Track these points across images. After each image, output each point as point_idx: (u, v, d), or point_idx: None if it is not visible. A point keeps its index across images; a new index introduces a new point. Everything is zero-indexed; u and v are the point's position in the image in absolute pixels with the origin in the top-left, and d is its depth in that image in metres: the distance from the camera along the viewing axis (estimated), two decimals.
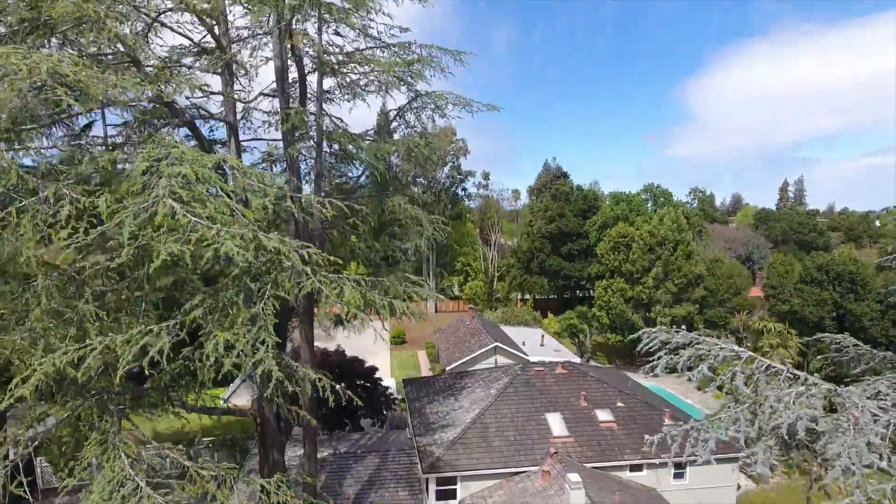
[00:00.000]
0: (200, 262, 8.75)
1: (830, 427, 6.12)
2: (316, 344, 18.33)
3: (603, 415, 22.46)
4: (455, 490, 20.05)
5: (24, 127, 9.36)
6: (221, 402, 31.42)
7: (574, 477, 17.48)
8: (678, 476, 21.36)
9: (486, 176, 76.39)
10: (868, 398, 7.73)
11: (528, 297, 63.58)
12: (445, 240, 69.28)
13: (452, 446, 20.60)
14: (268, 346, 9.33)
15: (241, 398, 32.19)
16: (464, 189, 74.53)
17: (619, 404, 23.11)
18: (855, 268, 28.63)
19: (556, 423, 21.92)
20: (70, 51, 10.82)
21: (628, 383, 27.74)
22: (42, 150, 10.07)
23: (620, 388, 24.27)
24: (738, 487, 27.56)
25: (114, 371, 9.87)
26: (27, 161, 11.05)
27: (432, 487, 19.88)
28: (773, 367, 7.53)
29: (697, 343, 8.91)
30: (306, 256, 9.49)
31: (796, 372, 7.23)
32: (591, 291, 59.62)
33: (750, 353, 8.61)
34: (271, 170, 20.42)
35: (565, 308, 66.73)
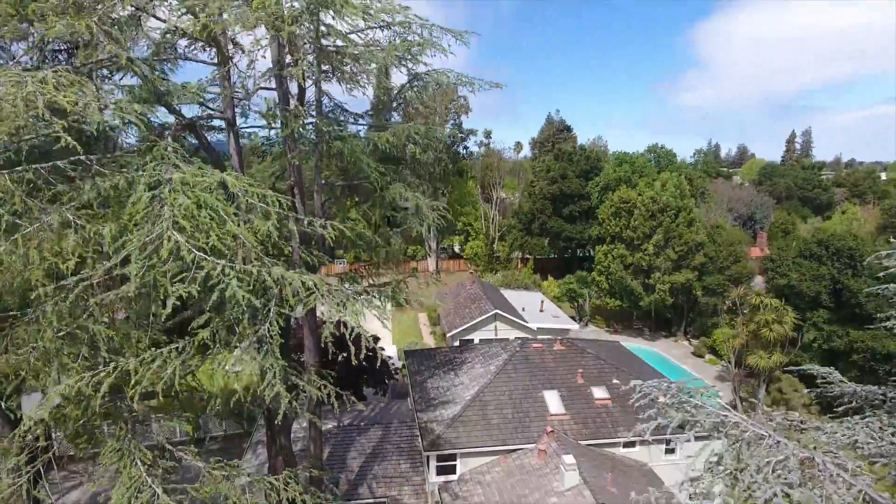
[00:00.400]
0: (206, 301, 8.94)
1: (805, 499, 6.44)
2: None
3: (599, 392, 23.17)
4: (455, 465, 20.98)
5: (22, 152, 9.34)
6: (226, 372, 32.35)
7: (569, 459, 18.26)
8: (669, 452, 22.23)
9: (487, 134, 75.44)
10: (846, 444, 8.06)
11: (528, 257, 63.91)
12: (445, 202, 68.88)
13: (452, 424, 21.39)
14: (275, 372, 9.67)
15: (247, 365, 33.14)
16: (465, 148, 73.70)
17: (615, 381, 23.78)
18: (854, 244, 28.74)
19: (553, 401, 22.66)
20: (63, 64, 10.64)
21: (625, 356, 28.45)
22: (42, 170, 10.07)
23: (617, 364, 24.90)
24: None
25: (126, 387, 10.26)
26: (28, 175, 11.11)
27: (433, 463, 20.79)
28: (760, 434, 7.80)
29: (685, 405, 9.14)
30: (310, 284, 9.69)
31: (781, 439, 7.50)
32: (592, 252, 59.95)
33: (738, 416, 8.89)
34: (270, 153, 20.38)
35: (566, 269, 67.21)
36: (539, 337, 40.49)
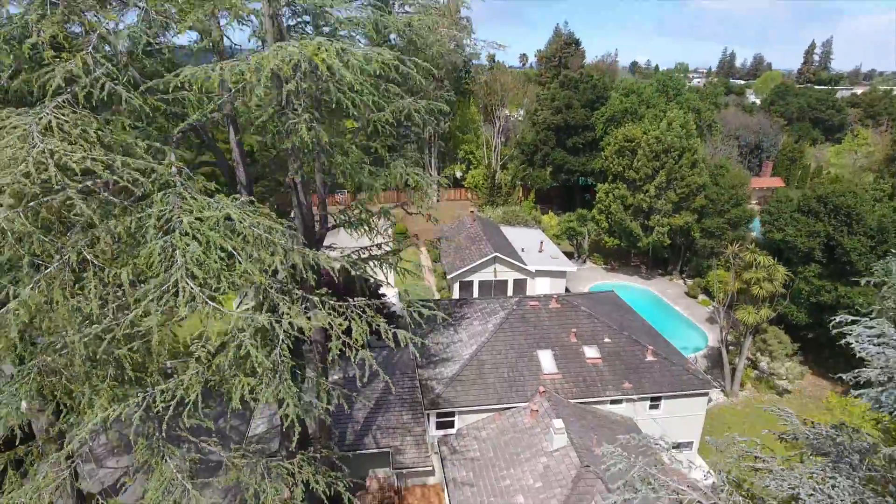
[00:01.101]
0: (224, 359, 9.65)
1: None
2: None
3: (590, 351, 24.48)
4: (453, 420, 22.70)
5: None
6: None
7: (558, 423, 19.80)
8: (654, 406, 23.88)
9: (491, 58, 72.50)
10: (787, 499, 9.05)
11: (530, 189, 63.82)
12: (447, 128, 67.30)
13: (451, 383, 22.87)
14: (291, 397, 10.60)
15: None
16: (467, 72, 71.30)
17: (606, 340, 25.04)
18: (853, 201, 28.90)
19: (546, 360, 24.02)
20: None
21: (619, 309, 29.58)
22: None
23: (609, 322, 26.02)
24: (710, 400, 30.66)
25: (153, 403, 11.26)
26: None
27: (433, 419, 22.49)
28: None
29: (654, 480, 10.03)
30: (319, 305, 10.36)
31: None
32: (594, 187, 59.83)
33: (694, 495, 9.78)
34: None
35: (567, 201, 67.34)
36: (537, 279, 41.76)
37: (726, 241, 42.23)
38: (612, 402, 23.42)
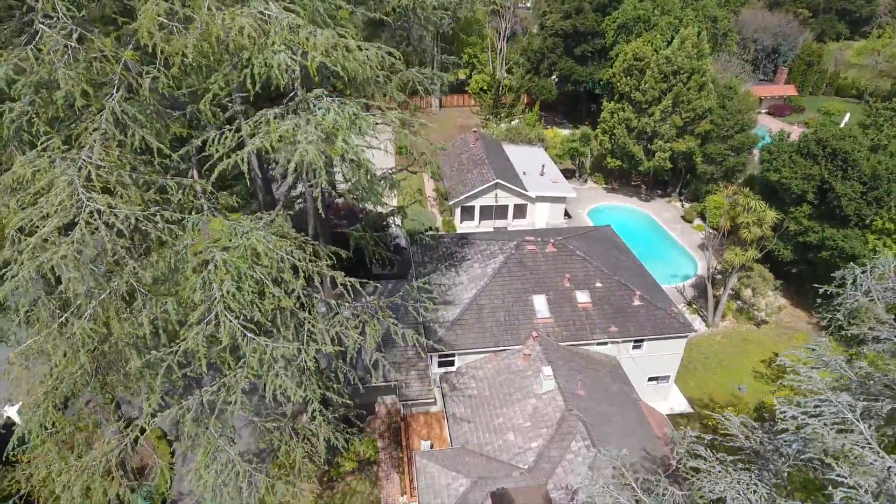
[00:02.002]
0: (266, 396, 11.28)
1: None
2: None
3: (582, 296, 26.27)
4: (453, 360, 25.06)
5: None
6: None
7: (547, 370, 22.05)
8: (636, 347, 26.12)
9: None
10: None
11: (535, 100, 62.41)
12: (450, 30, 64.38)
13: (452, 327, 24.93)
14: (315, 398, 12.40)
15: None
16: None
17: (598, 284, 26.72)
18: (851, 147, 29.09)
19: (540, 305, 25.89)
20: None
21: (613, 248, 30.96)
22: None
23: (602, 264, 27.51)
24: (693, 331, 33.04)
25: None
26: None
27: (435, 358, 24.84)
28: None
29: None
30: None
31: None
32: (601, 98, 58.51)
33: None
34: None
35: (573, 112, 66.02)
36: (537, 204, 42.70)
37: (726, 167, 42.65)
38: (599, 343, 25.63)
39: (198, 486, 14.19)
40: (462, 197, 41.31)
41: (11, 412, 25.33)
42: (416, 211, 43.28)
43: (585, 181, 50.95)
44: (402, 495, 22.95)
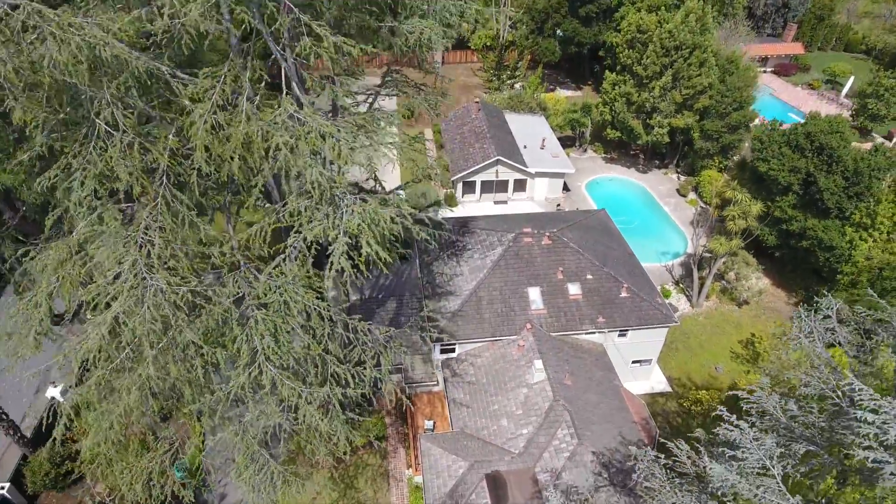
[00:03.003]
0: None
1: None
2: None
3: (573, 288, 28.36)
4: (454, 348, 27.50)
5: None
6: None
7: (538, 364, 24.50)
8: (622, 335, 28.48)
9: None
10: None
11: (538, 62, 62.04)
12: None
13: (453, 318, 27.20)
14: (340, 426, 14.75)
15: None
16: None
17: (589, 276, 28.74)
18: (837, 143, 30.24)
19: (535, 297, 28.04)
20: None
21: (606, 235, 32.71)
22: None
23: (594, 256, 29.40)
24: (677, 311, 35.41)
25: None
26: None
27: (437, 347, 27.28)
28: None
29: None
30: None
31: None
32: (604, 60, 58.27)
33: None
34: None
35: (576, 72, 65.61)
36: (536, 179, 43.99)
37: (722, 144, 43.65)
38: (588, 333, 27.97)
39: (237, 482, 16.88)
40: (464, 172, 42.62)
41: (55, 392, 28.08)
42: (421, 188, 44.68)
43: (585, 150, 51.88)
44: (408, 468, 26.04)
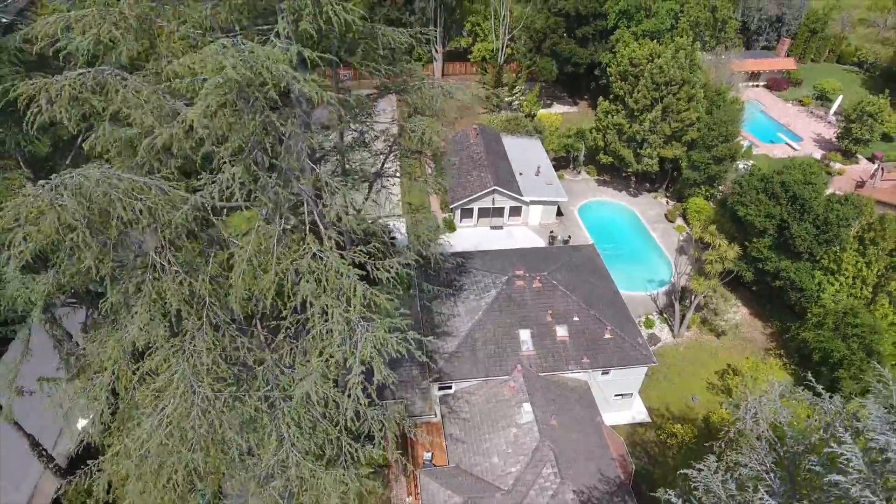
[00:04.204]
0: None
1: None
2: None
3: (561, 330, 30.83)
4: (451, 385, 30.04)
5: None
6: None
7: (527, 406, 27.06)
8: (605, 373, 31.01)
9: None
10: None
11: (536, 80, 63.82)
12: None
13: (450, 359, 29.70)
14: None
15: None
16: None
17: (575, 318, 31.19)
18: (809, 194, 32.44)
19: (525, 338, 30.51)
20: None
21: (593, 273, 35.06)
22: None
23: (580, 299, 31.79)
24: (659, 341, 37.96)
25: None
26: None
27: (435, 385, 29.82)
28: None
29: None
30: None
31: None
32: (599, 82, 60.09)
33: None
34: None
35: (573, 88, 67.32)
36: (531, 206, 46.20)
37: (708, 174, 45.81)
38: (574, 372, 30.51)
39: None
40: (462, 201, 44.79)
41: (84, 423, 30.63)
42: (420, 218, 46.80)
43: (579, 173, 53.97)
44: (409, 496, 28.77)
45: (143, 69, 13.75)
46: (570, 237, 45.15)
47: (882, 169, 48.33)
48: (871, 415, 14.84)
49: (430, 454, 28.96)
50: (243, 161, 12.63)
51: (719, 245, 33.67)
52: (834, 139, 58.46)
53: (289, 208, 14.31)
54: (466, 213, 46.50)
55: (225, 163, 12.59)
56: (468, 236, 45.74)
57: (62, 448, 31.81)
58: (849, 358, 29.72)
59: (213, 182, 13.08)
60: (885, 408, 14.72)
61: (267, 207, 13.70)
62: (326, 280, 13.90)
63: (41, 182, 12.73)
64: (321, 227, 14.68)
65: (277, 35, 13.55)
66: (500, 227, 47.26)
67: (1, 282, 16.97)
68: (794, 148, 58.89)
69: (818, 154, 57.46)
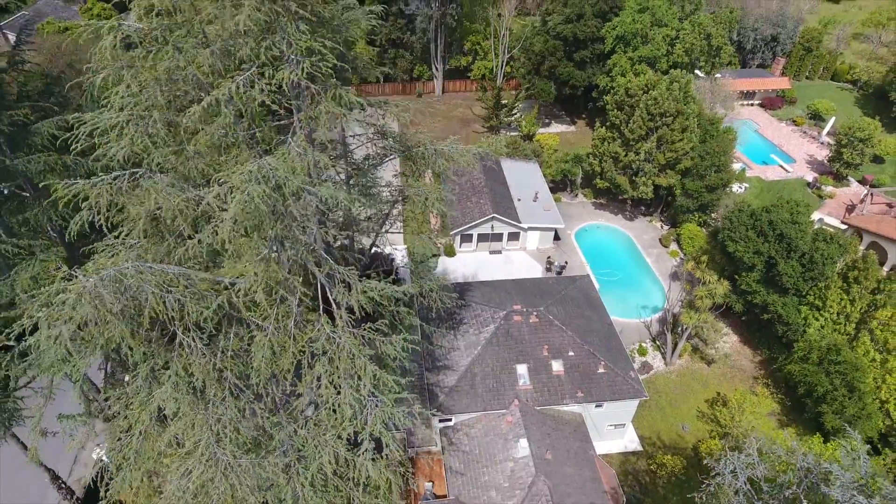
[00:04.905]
0: None
1: None
2: None
3: (556, 365, 32.15)
4: (451, 418, 31.37)
5: None
6: None
7: (523, 442, 28.40)
8: (598, 406, 32.35)
9: None
10: None
11: (535, 102, 65.06)
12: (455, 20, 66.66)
13: (450, 393, 31.02)
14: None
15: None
16: None
17: (570, 353, 32.52)
18: (795, 234, 33.75)
19: (522, 372, 31.83)
20: None
21: (587, 307, 36.36)
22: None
23: (575, 334, 33.10)
24: (651, 368, 39.31)
25: None
26: None
27: (436, 417, 31.16)
28: None
29: None
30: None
31: None
32: (597, 103, 61.32)
33: None
34: None
35: (571, 107, 68.56)
36: (529, 232, 47.47)
37: (701, 202, 47.12)
38: (568, 406, 31.84)
39: None
40: (462, 227, 46.09)
41: (101, 454, 31.97)
42: (418, 244, 48.15)
43: (576, 196, 55.26)
44: None
45: (172, 168, 15.01)
46: (566, 263, 46.48)
47: (871, 195, 49.59)
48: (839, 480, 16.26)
49: (431, 484, 30.31)
50: (265, 259, 13.93)
51: (709, 281, 35.00)
52: (826, 161, 59.74)
53: (303, 292, 15.59)
54: (466, 238, 47.77)
55: (248, 262, 13.89)
56: (468, 261, 47.09)
57: (77, 474, 33.22)
58: (832, 393, 31.09)
59: (235, 282, 14.36)
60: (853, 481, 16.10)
61: (286, 296, 15.00)
62: (339, 359, 15.21)
63: (80, 275, 13.99)
64: (334, 306, 15.98)
65: (294, 133, 14.86)
66: (499, 252, 48.56)
67: (37, 351, 18.21)
68: (786, 170, 60.19)
69: (810, 176, 58.84)
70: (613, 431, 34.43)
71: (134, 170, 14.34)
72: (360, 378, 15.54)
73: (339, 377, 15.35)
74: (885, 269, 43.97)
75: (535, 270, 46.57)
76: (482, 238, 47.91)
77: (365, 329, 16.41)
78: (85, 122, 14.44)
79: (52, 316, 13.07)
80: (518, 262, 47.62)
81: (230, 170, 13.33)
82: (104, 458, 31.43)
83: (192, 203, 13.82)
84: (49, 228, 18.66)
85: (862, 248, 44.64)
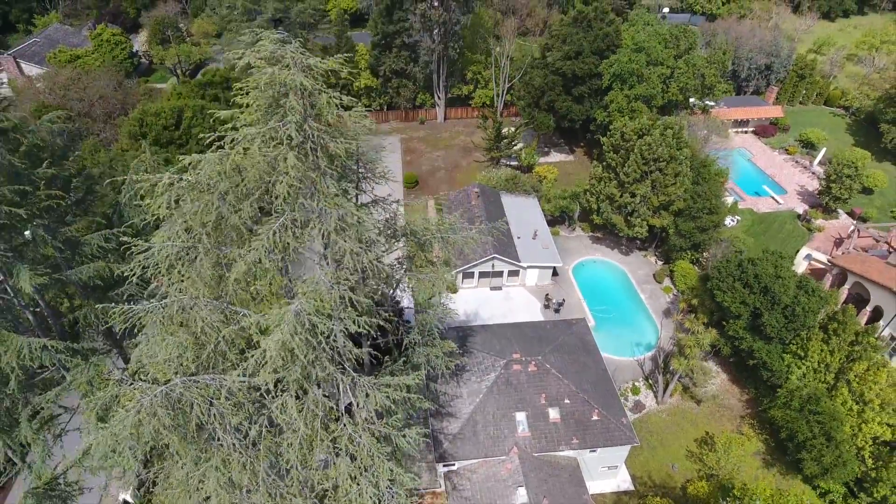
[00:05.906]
0: None
1: None
2: None
3: (553, 413, 34.27)
4: (454, 463, 33.52)
5: None
6: None
7: (521, 490, 30.54)
8: (592, 451, 34.49)
9: None
10: None
11: (534, 134, 66.99)
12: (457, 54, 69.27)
13: (454, 440, 33.15)
14: None
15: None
16: None
17: (567, 401, 34.64)
18: (779, 289, 35.82)
19: (521, 421, 33.95)
20: None
21: (583, 351, 38.47)
22: None
23: (571, 382, 35.20)
24: (644, 407, 41.44)
25: None
26: None
27: (440, 464, 33.30)
28: None
29: None
30: None
31: None
32: (594, 136, 63.33)
33: None
34: None
35: (570, 138, 70.60)
36: (528, 270, 49.52)
37: (694, 242, 49.18)
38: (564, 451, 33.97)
39: None
40: (464, 267, 48.16)
41: (126, 496, 34.09)
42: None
43: (574, 230, 57.33)
44: None
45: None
46: (563, 300, 48.57)
47: (857, 231, 51.59)
48: None
49: None
50: (299, 384, 16.04)
51: (698, 331, 37.13)
52: (816, 193, 61.72)
53: (324, 395, 17.70)
54: (468, 276, 49.84)
55: (286, 391, 16.01)
56: (469, 298, 49.18)
57: None
58: (811, 441, 33.21)
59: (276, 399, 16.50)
60: None
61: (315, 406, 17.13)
62: (360, 458, 17.34)
63: (135, 389, 16.05)
64: (355, 405, 18.09)
65: (325, 257, 16.95)
66: (500, 288, 50.64)
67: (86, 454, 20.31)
68: (778, 202, 62.21)
69: (801, 209, 60.89)
70: (607, 472, 36.57)
71: (180, 297, 16.42)
72: (378, 474, 17.66)
73: (360, 473, 17.46)
74: (868, 308, 46.05)
75: (535, 307, 48.66)
76: (483, 275, 49.98)
77: (383, 424, 18.51)
78: (136, 251, 16.54)
79: (114, 434, 15.17)
80: (518, 298, 49.70)
81: (268, 303, 15.40)
82: (129, 498, 33.64)
83: (233, 331, 15.90)
84: (98, 328, 20.77)
85: (847, 287, 46.67)
